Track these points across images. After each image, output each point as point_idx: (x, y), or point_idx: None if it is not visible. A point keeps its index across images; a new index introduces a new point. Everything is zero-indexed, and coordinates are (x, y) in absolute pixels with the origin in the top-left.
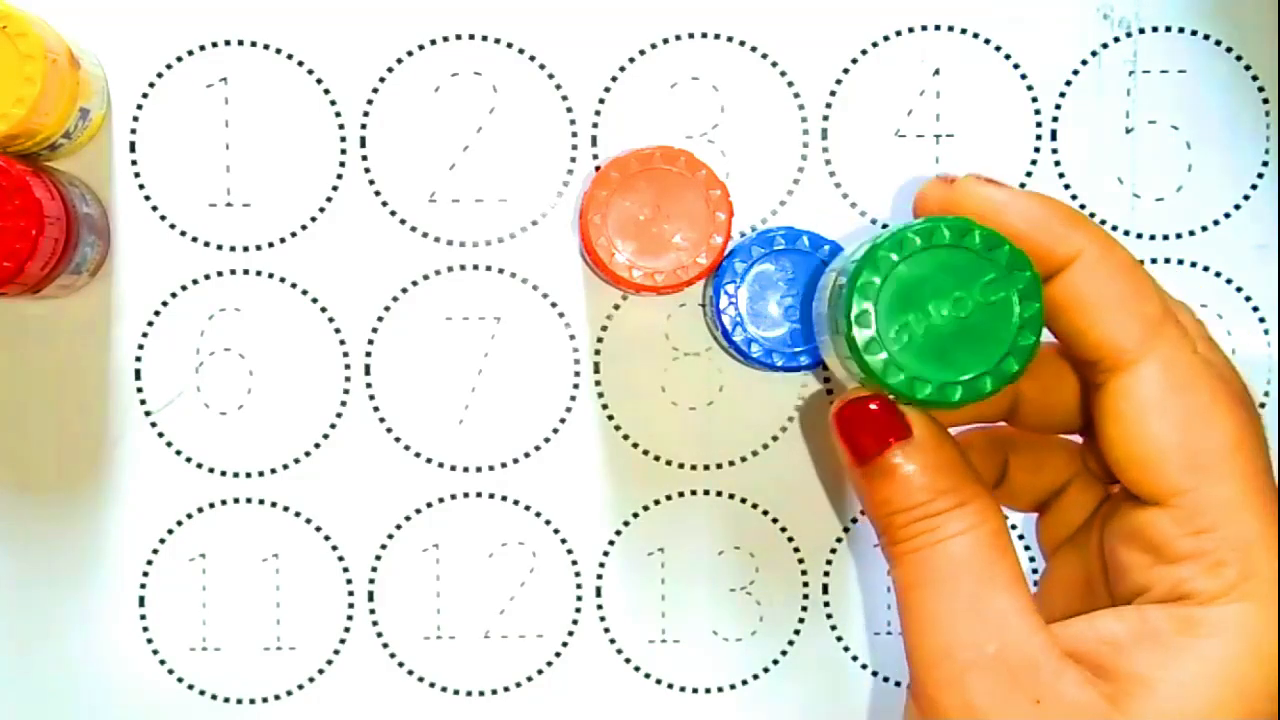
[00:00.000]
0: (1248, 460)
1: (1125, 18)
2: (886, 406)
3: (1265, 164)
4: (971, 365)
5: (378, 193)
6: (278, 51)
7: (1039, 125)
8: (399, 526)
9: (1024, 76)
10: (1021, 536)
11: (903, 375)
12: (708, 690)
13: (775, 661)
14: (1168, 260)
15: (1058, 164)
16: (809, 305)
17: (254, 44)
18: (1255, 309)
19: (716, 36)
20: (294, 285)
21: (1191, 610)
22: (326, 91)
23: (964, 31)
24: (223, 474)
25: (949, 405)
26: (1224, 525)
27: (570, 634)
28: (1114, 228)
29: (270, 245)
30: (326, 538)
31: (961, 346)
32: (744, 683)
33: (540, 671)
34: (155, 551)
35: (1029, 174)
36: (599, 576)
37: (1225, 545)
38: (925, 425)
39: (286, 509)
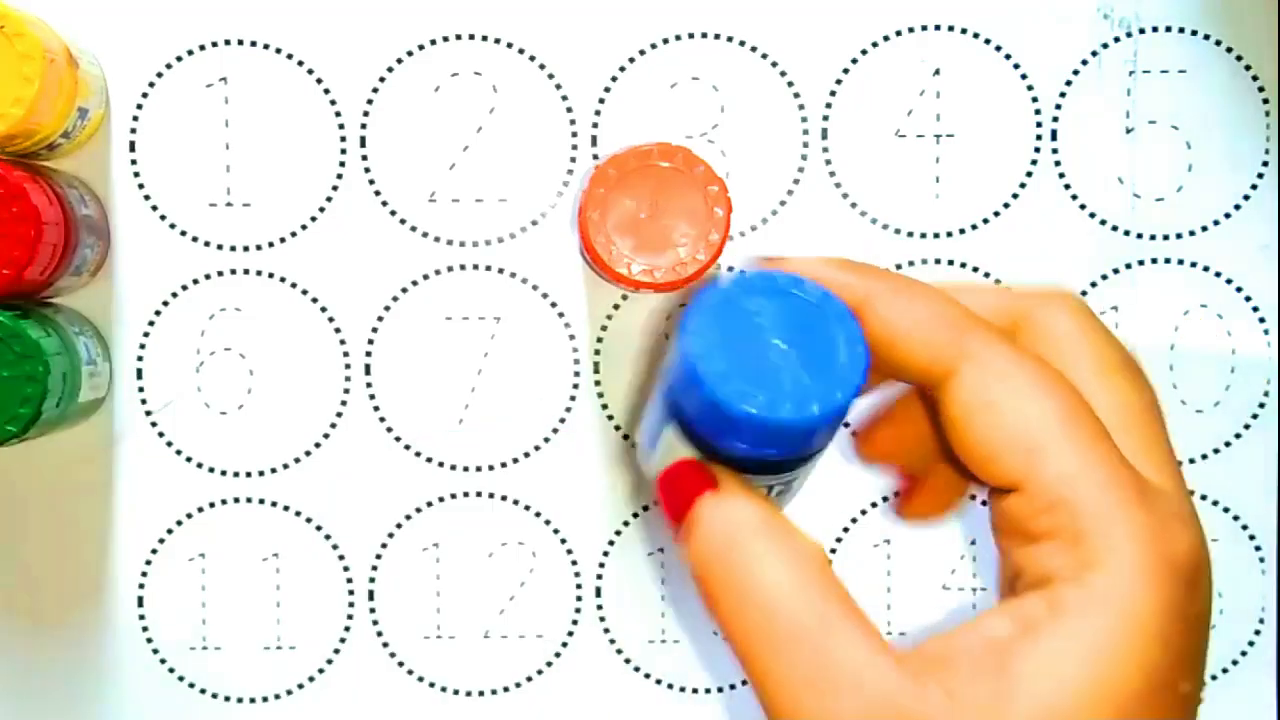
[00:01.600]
0: (1080, 429)
1: (1125, 18)
2: (693, 463)
3: (1265, 164)
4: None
5: (378, 193)
6: (278, 51)
7: (1039, 125)
8: (399, 526)
9: (1024, 76)
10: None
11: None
12: (707, 690)
13: None
14: (1168, 260)
15: (1058, 164)
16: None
17: (254, 44)
18: (1255, 309)
19: (716, 36)
20: (294, 285)
21: (1056, 591)
22: (326, 91)
23: (964, 31)
24: (223, 474)
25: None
26: (1069, 499)
27: (570, 634)
28: (1114, 228)
29: (270, 245)
30: (327, 537)
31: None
32: (743, 683)
33: (540, 671)
34: (155, 551)
35: (1029, 174)
36: (599, 576)
37: (1078, 517)
38: (731, 476)
39: (286, 509)
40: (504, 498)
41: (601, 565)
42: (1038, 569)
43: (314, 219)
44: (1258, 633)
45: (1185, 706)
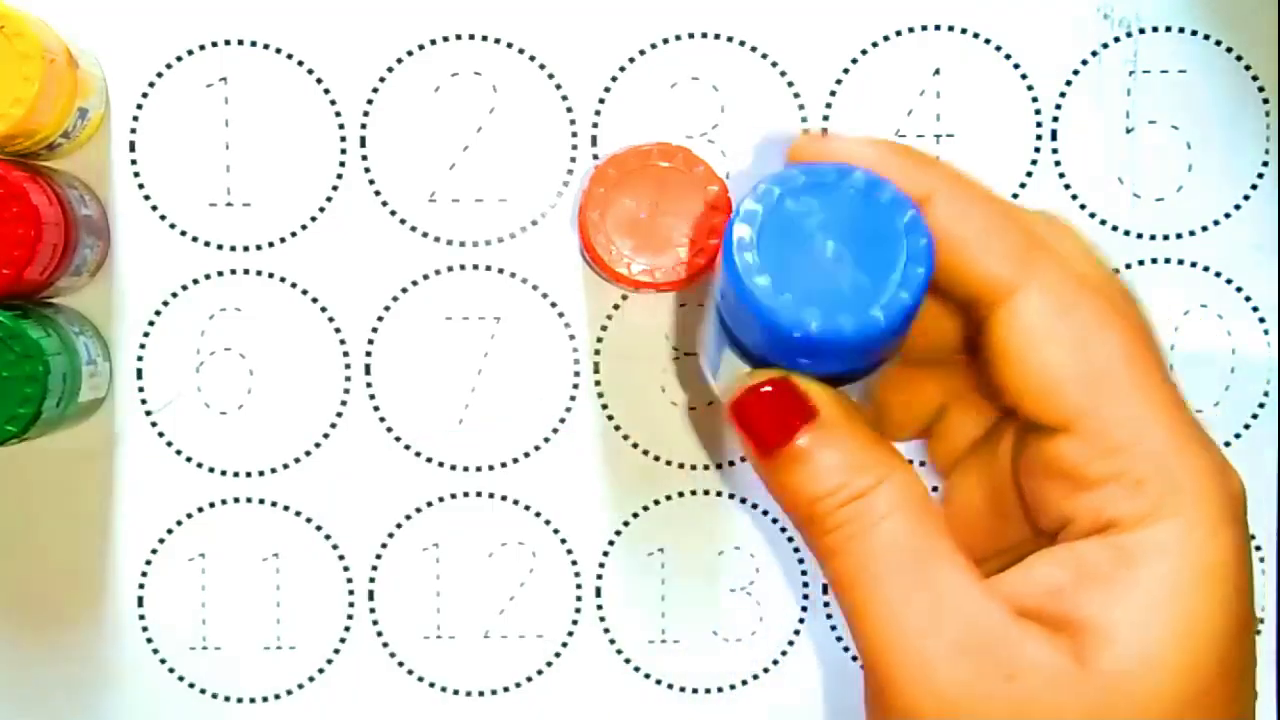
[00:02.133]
0: (1145, 371)
1: (1125, 18)
2: (785, 386)
3: (1265, 164)
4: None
5: (378, 193)
6: (278, 51)
7: (1039, 125)
8: (399, 526)
9: (1024, 76)
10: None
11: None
12: (708, 690)
13: (775, 661)
14: (1168, 260)
15: (1058, 164)
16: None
17: (254, 44)
18: (1255, 309)
19: (716, 36)
20: (294, 285)
21: (1123, 538)
22: (326, 91)
23: (964, 31)
24: (223, 474)
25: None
26: (1134, 441)
27: (570, 634)
28: (1114, 228)
29: (270, 245)
30: (327, 537)
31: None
32: (744, 683)
33: (540, 671)
34: (155, 551)
35: (1029, 174)
36: (599, 576)
37: (1140, 461)
38: (831, 400)
39: (286, 509)
40: (504, 498)
41: (601, 565)
42: (1094, 516)
43: (314, 219)
44: (1258, 632)
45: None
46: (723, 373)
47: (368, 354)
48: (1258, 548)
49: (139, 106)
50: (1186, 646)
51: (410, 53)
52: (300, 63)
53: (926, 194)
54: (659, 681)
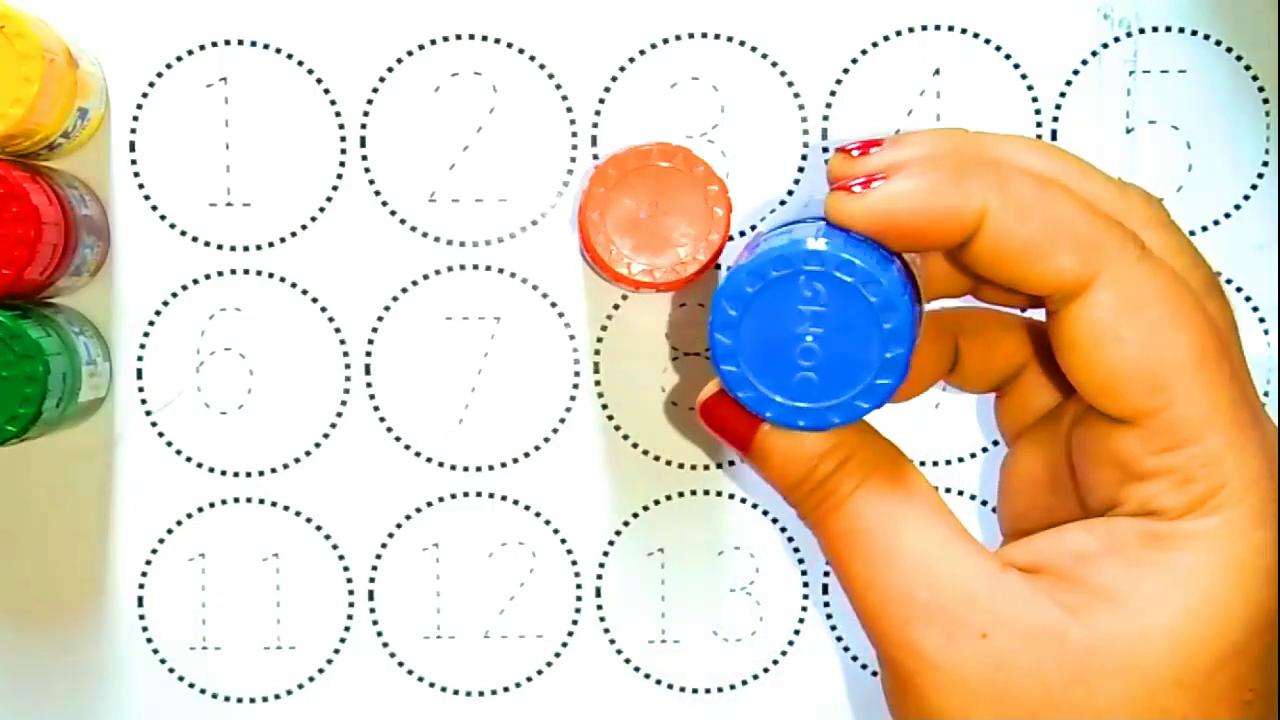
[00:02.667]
0: (1213, 371)
1: (1125, 18)
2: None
3: (1265, 164)
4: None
5: (378, 193)
6: (278, 51)
7: (1039, 125)
8: (399, 526)
9: (1024, 76)
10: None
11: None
12: (708, 690)
13: (775, 661)
14: None
15: None
16: (840, 349)
17: (254, 44)
18: (1255, 309)
19: (716, 36)
20: (294, 285)
21: (1160, 525)
22: (326, 91)
23: (964, 31)
24: (223, 474)
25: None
26: (1190, 442)
27: (570, 634)
28: None
29: (270, 245)
30: (327, 537)
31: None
32: (744, 683)
33: (540, 672)
34: (155, 551)
35: None
36: (599, 576)
37: (1193, 462)
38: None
39: (286, 509)
40: (504, 498)
41: (601, 565)
42: (1139, 504)
43: (314, 219)
44: None
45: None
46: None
47: (368, 354)
48: None
49: (139, 106)
50: (1195, 625)
51: (410, 53)
52: (300, 63)
53: (978, 210)
54: (659, 681)
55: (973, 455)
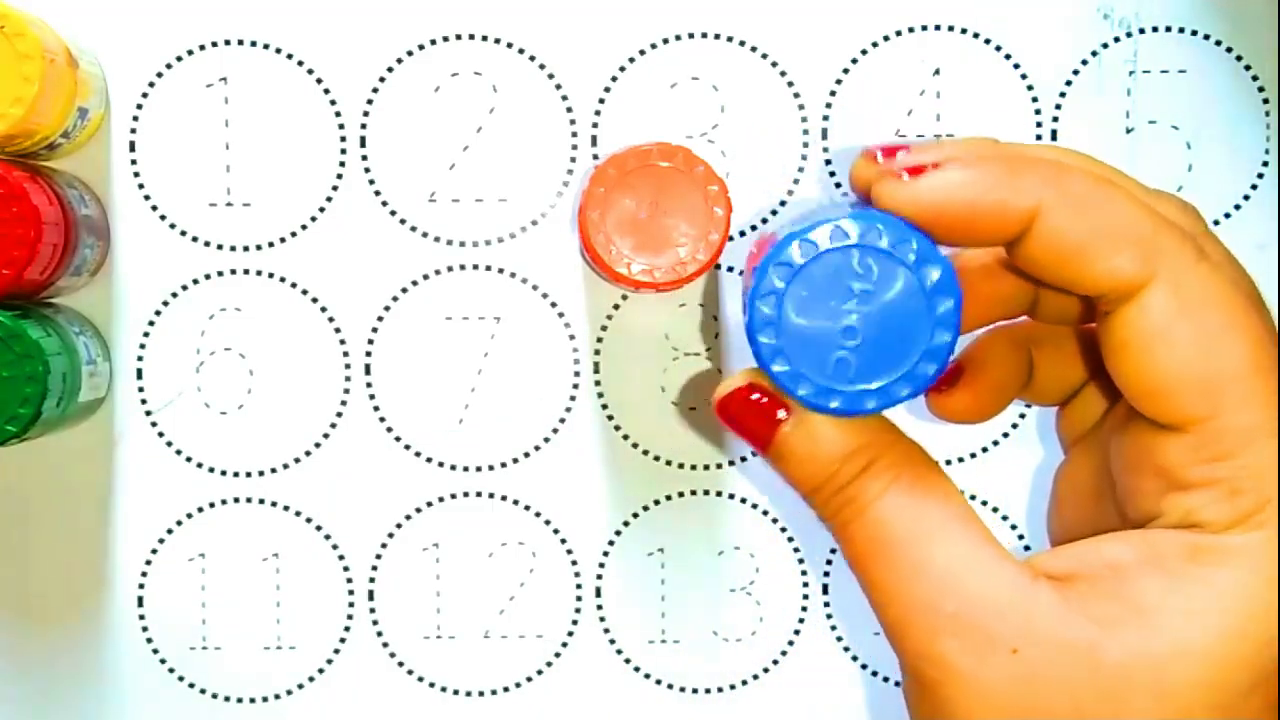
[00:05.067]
0: (1266, 380)
1: (1125, 18)
2: (758, 385)
3: (1265, 164)
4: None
5: (378, 193)
6: (278, 51)
7: (1039, 125)
8: (399, 526)
9: (1024, 76)
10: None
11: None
12: (708, 690)
13: (775, 661)
14: None
15: None
16: (885, 332)
17: (254, 44)
18: None
19: (716, 36)
20: (294, 285)
21: (1202, 538)
22: (326, 91)
23: (964, 31)
24: (223, 474)
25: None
26: (1241, 452)
27: (570, 634)
28: None
29: (270, 245)
30: (327, 537)
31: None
32: (744, 683)
33: (540, 671)
34: (155, 551)
35: None
36: (599, 576)
37: (1242, 473)
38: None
39: (286, 509)
40: (504, 498)
41: (601, 565)
42: (1182, 516)
43: (314, 219)
44: None
45: None
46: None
47: (368, 354)
48: None
49: (139, 106)
50: (1233, 645)
51: (410, 53)
52: (300, 63)
53: (1033, 205)
54: (659, 681)
55: (973, 455)
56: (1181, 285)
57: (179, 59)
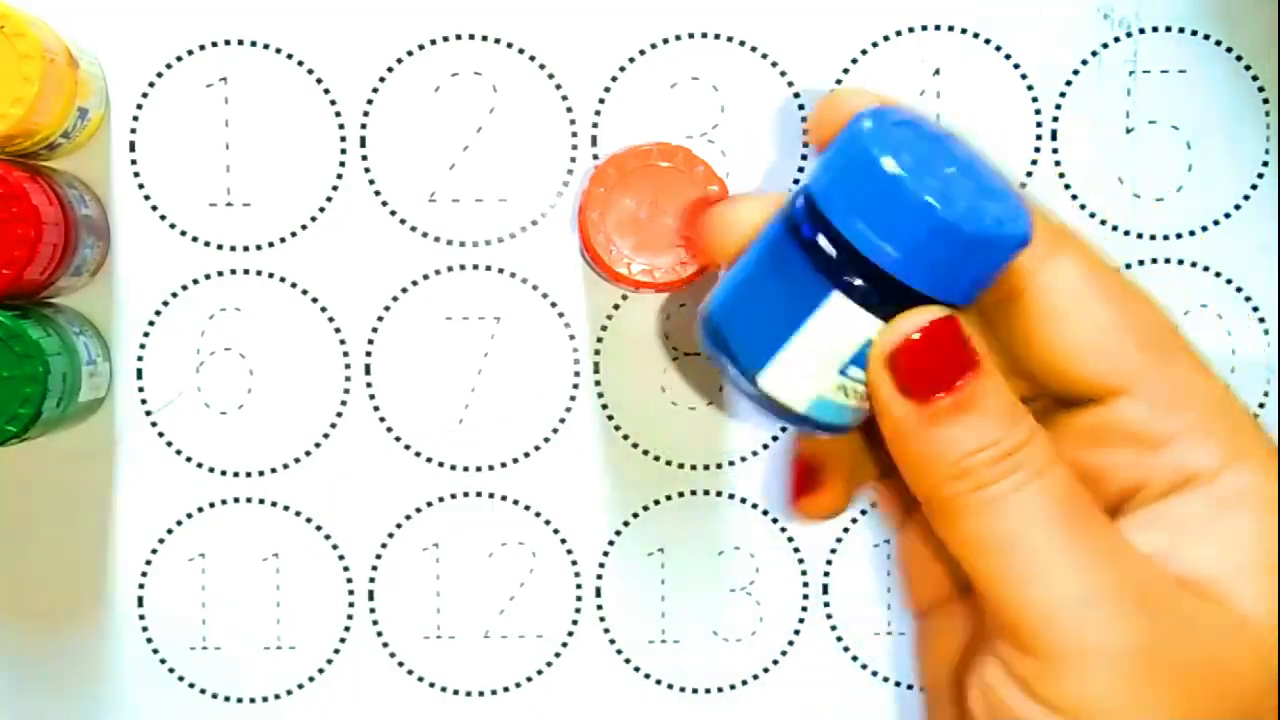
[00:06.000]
0: (1180, 334)
1: (1125, 18)
2: (951, 328)
3: (1265, 164)
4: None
5: (378, 193)
6: (278, 51)
7: (1039, 125)
8: (399, 526)
9: (1024, 76)
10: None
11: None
12: (708, 690)
13: (775, 661)
14: (1168, 260)
15: (1058, 164)
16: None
17: (254, 44)
18: (1255, 309)
19: (716, 36)
20: (294, 285)
21: (1210, 489)
22: (326, 91)
23: (964, 31)
24: (223, 474)
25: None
26: (1196, 394)
27: (570, 634)
28: (1114, 228)
29: (270, 245)
30: (327, 537)
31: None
32: (744, 683)
33: (540, 672)
34: (155, 551)
35: (1029, 174)
36: (599, 576)
37: (1206, 410)
38: (984, 346)
39: (286, 509)
40: (504, 498)
41: (601, 565)
42: (1171, 473)
43: (314, 219)
44: None
45: None
46: (810, 338)
47: (368, 354)
48: None
49: (139, 106)
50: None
51: (410, 53)
52: (300, 63)
53: None
54: (659, 681)
55: None
56: (1085, 255)
57: (179, 59)
